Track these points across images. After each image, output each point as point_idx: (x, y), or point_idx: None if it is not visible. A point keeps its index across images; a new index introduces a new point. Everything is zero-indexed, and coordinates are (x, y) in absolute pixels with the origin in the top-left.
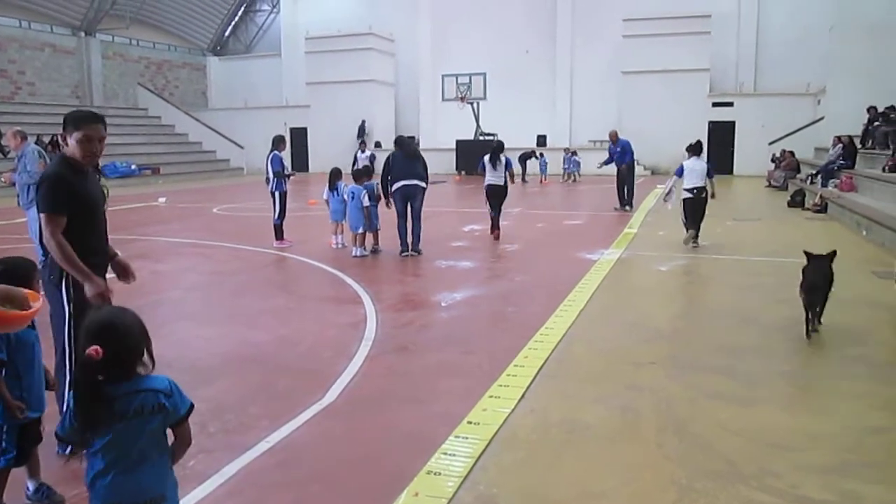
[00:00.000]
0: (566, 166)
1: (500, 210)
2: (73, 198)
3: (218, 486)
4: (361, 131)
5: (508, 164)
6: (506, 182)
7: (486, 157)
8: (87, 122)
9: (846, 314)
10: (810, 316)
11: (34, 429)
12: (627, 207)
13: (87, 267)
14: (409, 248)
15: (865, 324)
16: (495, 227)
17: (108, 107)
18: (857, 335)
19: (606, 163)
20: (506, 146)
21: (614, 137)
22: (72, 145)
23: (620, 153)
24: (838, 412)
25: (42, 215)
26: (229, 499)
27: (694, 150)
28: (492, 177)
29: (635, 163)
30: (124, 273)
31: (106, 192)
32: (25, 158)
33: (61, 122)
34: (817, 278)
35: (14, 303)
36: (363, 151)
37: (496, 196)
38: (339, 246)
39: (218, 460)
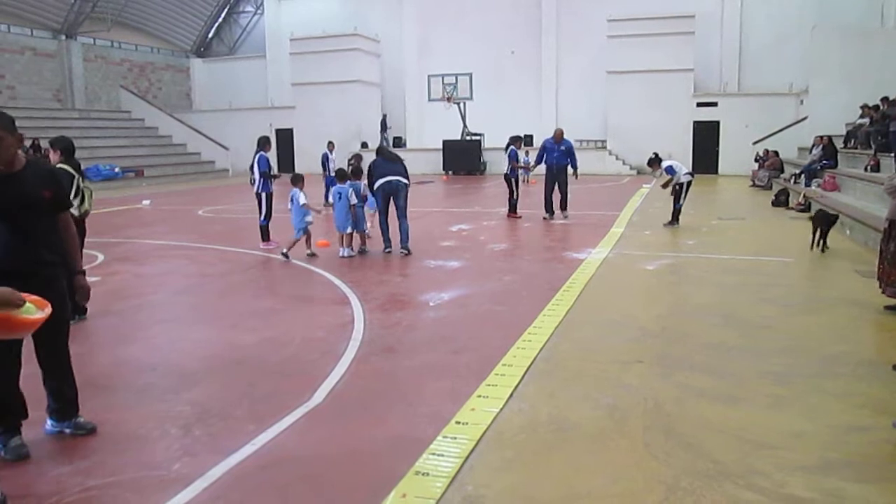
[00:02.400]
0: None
1: (511, 196)
2: None
3: (202, 490)
4: (384, 126)
5: (511, 156)
6: (507, 172)
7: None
8: None
9: (829, 313)
10: (816, 237)
11: None
12: (555, 214)
13: None
14: (399, 245)
15: (848, 322)
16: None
17: (91, 109)
18: (841, 334)
19: (537, 162)
20: (490, 143)
21: (560, 136)
22: None
23: (562, 153)
24: (822, 411)
25: None
26: (214, 502)
27: (654, 161)
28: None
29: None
30: (74, 293)
31: (89, 194)
32: None
33: (43, 126)
34: (822, 212)
35: (7, 305)
36: (332, 152)
37: (506, 184)
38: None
39: (202, 463)
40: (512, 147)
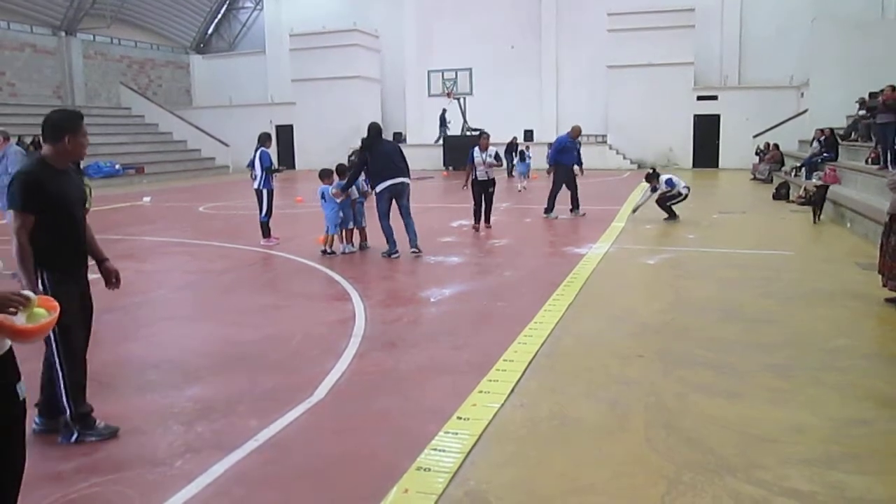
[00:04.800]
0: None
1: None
2: (44, 197)
3: (205, 486)
4: (443, 120)
5: (468, 159)
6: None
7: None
8: (82, 121)
9: (830, 306)
10: (816, 211)
11: None
12: (552, 214)
13: (61, 266)
14: (409, 247)
15: (850, 315)
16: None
17: (91, 106)
18: (842, 327)
19: (556, 160)
20: (489, 140)
21: (578, 133)
22: (61, 147)
23: (579, 151)
24: (824, 404)
25: (10, 212)
26: (217, 498)
27: (652, 177)
28: None
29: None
30: (109, 279)
31: (89, 191)
32: (7, 160)
33: (43, 122)
34: (819, 187)
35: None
36: None
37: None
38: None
39: (205, 459)
40: (472, 148)
